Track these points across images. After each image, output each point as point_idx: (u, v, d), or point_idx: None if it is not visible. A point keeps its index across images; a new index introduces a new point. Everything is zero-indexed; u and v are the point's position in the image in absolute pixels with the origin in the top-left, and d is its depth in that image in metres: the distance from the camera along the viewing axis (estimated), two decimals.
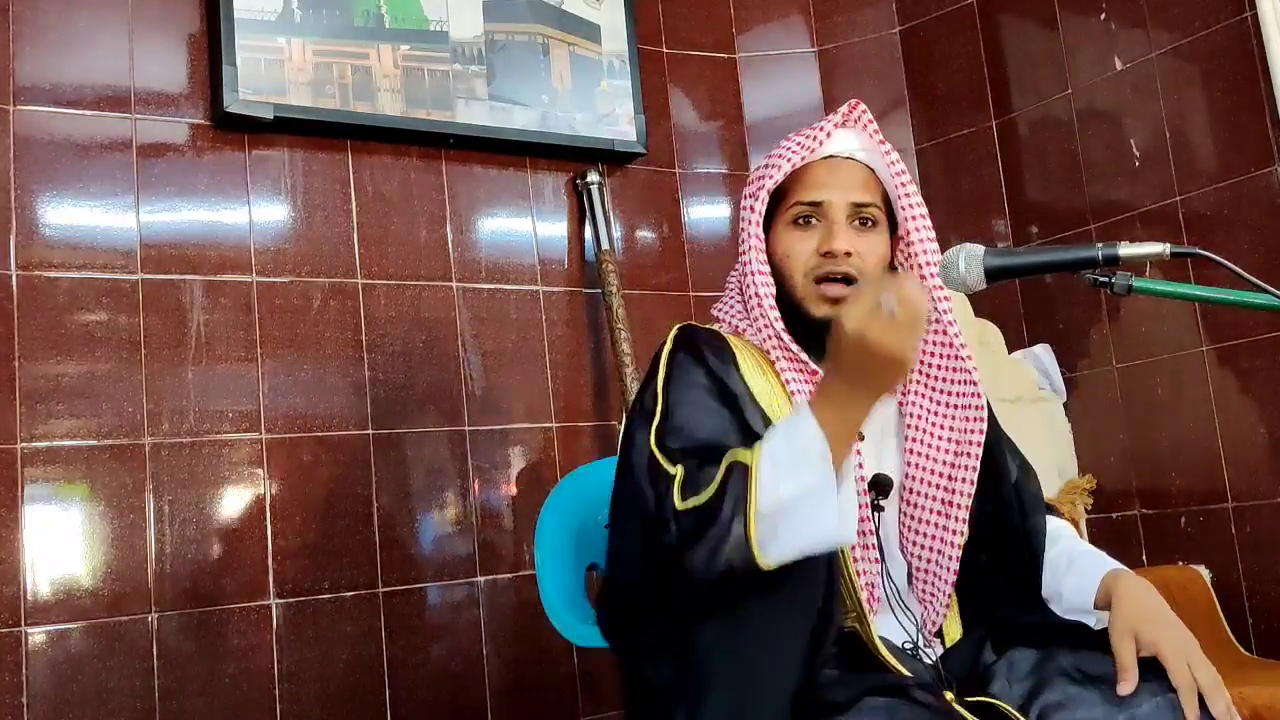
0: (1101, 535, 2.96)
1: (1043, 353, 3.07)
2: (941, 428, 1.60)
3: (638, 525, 1.46)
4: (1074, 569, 1.61)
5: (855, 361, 1.29)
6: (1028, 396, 3.00)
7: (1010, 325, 3.13)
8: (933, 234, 1.64)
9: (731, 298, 1.72)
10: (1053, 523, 1.71)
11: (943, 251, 1.57)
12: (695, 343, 1.59)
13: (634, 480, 1.48)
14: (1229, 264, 1.37)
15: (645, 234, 3.17)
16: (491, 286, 2.87)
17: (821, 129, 1.63)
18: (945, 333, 1.61)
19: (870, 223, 1.62)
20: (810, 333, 1.58)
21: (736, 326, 1.67)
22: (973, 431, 1.58)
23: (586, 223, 3.02)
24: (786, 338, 1.56)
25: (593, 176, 3.02)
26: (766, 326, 1.59)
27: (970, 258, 1.49)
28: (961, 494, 1.56)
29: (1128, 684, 1.36)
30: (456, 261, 2.83)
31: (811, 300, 1.59)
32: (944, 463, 1.58)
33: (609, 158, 3.08)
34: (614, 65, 3.11)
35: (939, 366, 1.62)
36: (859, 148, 1.65)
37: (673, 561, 1.36)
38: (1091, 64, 3.02)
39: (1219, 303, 1.44)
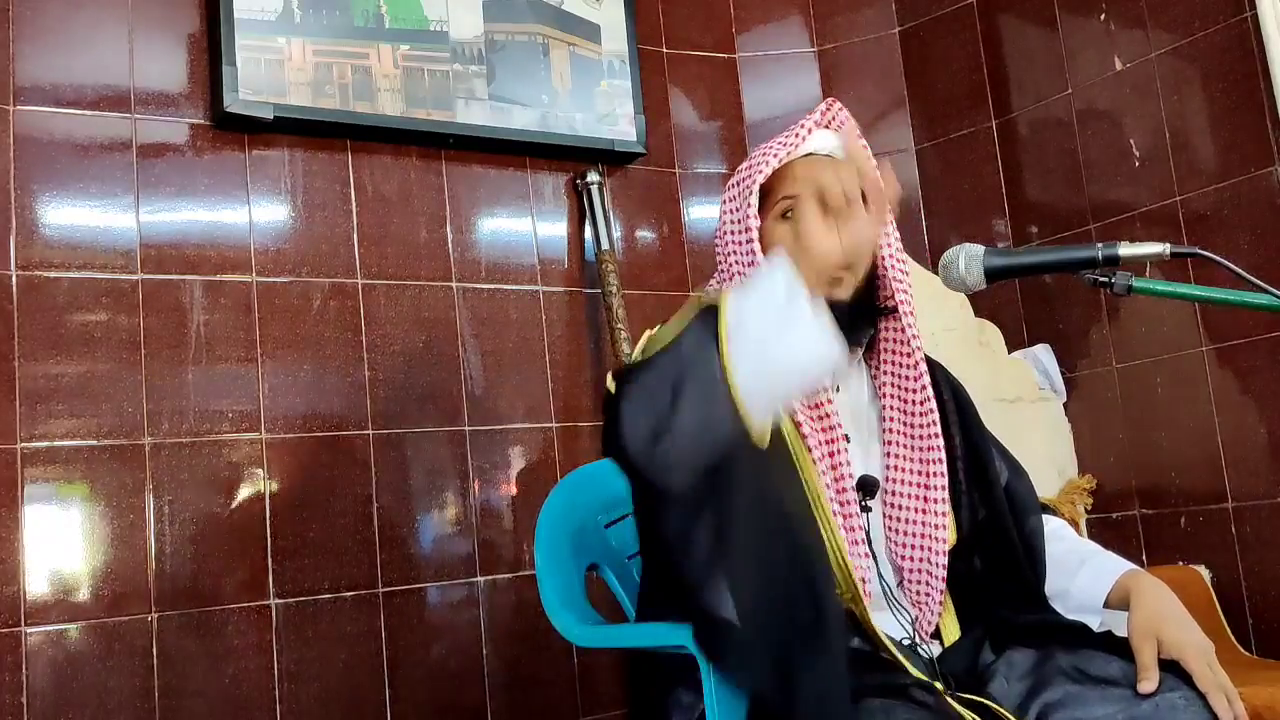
0: (1101, 535, 2.95)
1: (1043, 353, 3.07)
2: (908, 425, 1.62)
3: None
4: (1087, 567, 1.62)
5: None
6: (1028, 396, 3.00)
7: (1010, 325, 3.13)
8: (898, 234, 1.68)
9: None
10: (1053, 522, 1.72)
11: (943, 252, 1.57)
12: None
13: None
14: (1229, 264, 1.37)
15: (645, 234, 3.17)
16: (491, 286, 2.87)
17: (803, 126, 1.66)
18: (900, 322, 1.63)
19: None
20: None
21: None
22: (929, 425, 1.60)
23: (586, 223, 3.02)
24: None
25: (593, 176, 3.02)
26: None
27: (970, 258, 1.50)
28: (936, 489, 1.58)
29: (1149, 683, 1.37)
30: (456, 261, 2.83)
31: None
32: (916, 459, 1.60)
33: (609, 158, 3.08)
34: (614, 65, 3.11)
35: (897, 364, 1.65)
36: (838, 146, 1.67)
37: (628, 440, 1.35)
38: (1091, 64, 3.02)
39: (1219, 303, 1.44)
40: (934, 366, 1.72)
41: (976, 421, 1.72)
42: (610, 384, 1.47)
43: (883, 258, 1.64)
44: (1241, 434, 2.74)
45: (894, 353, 1.65)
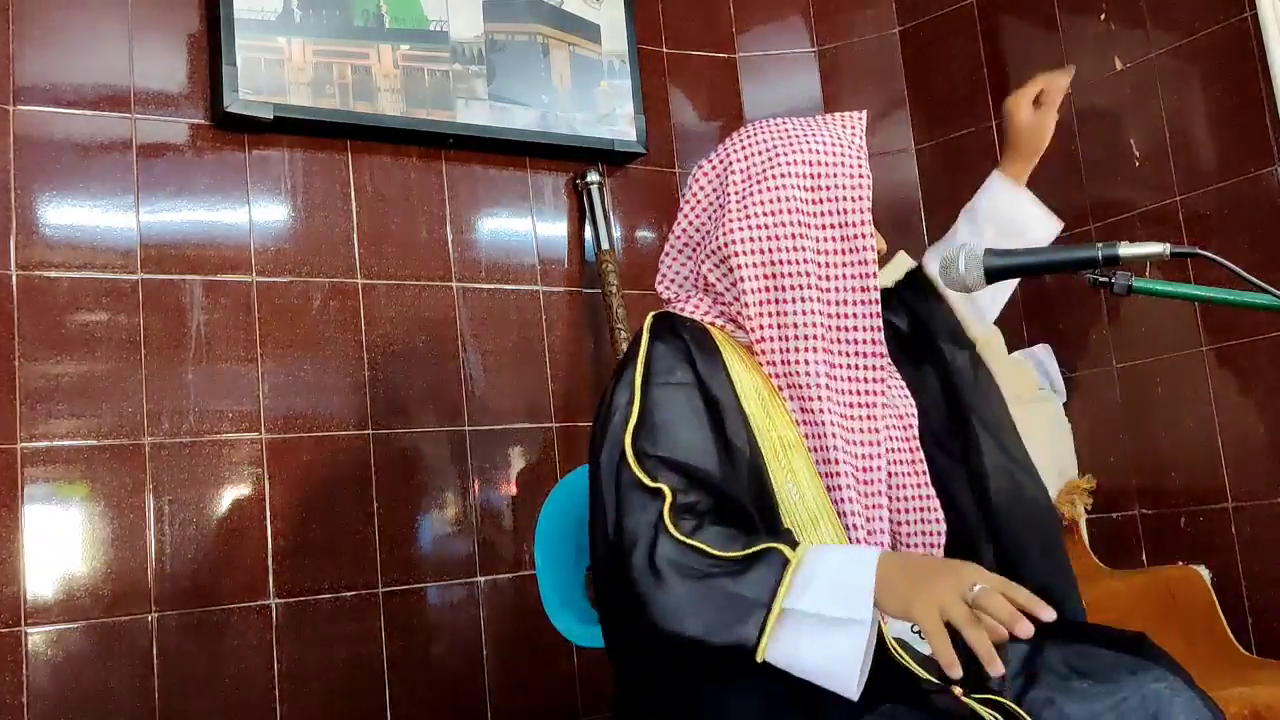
0: (1101, 535, 2.96)
1: (1043, 353, 3.07)
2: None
3: (600, 534, 1.45)
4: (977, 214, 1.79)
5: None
6: (1028, 396, 3.00)
7: (1010, 325, 3.12)
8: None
9: (687, 295, 1.69)
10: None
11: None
12: (678, 333, 1.56)
13: (599, 483, 1.47)
14: (1229, 264, 1.37)
15: (645, 234, 3.17)
16: (491, 286, 2.87)
17: (854, 133, 1.64)
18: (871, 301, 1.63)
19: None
20: None
21: (716, 324, 1.64)
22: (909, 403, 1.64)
23: (586, 223, 3.02)
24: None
25: (593, 176, 3.02)
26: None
27: (970, 258, 1.50)
28: (922, 465, 1.61)
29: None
30: (456, 261, 2.83)
31: None
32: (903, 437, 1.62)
33: (609, 158, 3.08)
34: (614, 65, 3.11)
35: (860, 343, 1.63)
36: None
37: (636, 590, 1.35)
38: (1091, 64, 3.01)
39: (1219, 303, 1.44)
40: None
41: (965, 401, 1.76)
42: (630, 457, 1.42)
43: None
44: (1241, 434, 2.74)
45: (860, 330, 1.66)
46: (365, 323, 2.68)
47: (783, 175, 1.59)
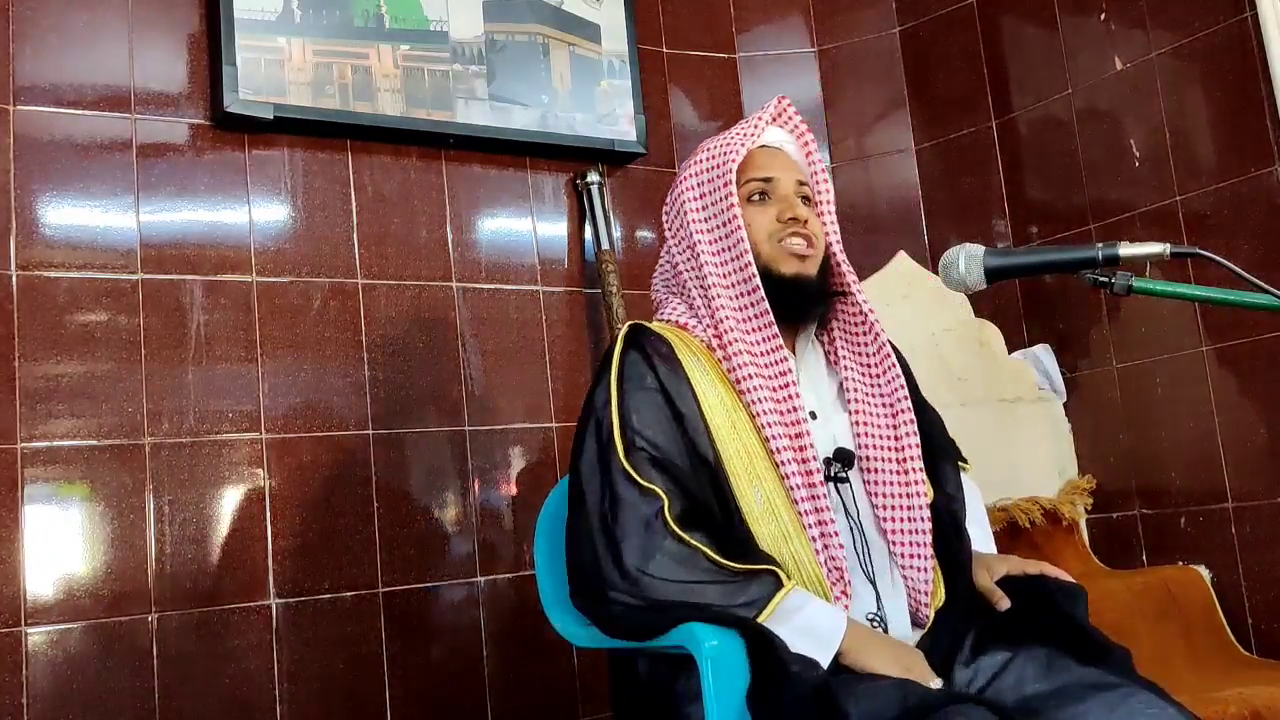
0: (1101, 535, 2.96)
1: (1043, 353, 3.07)
2: (874, 392, 1.72)
3: (584, 510, 1.58)
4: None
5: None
6: (1028, 396, 3.00)
7: (1010, 325, 3.13)
8: (838, 229, 1.80)
9: (669, 298, 1.79)
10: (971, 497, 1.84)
11: (943, 252, 1.58)
12: (644, 347, 1.68)
13: (580, 469, 1.61)
14: (1229, 264, 1.37)
15: (645, 234, 3.16)
16: (491, 286, 2.87)
17: (760, 121, 1.77)
18: (849, 292, 1.74)
19: (808, 201, 1.75)
20: (779, 293, 1.67)
21: (686, 324, 1.73)
22: (896, 390, 1.71)
23: (586, 223, 3.02)
24: (765, 303, 1.65)
25: (593, 176, 3.02)
26: (744, 295, 1.66)
27: (970, 258, 1.50)
28: (910, 451, 1.67)
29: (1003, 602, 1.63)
30: (456, 261, 2.83)
31: (780, 259, 1.69)
32: (887, 425, 1.69)
33: (609, 158, 3.08)
34: (614, 65, 3.11)
35: (853, 340, 1.76)
36: (786, 141, 1.80)
37: (624, 571, 1.50)
38: (1091, 64, 3.02)
39: (1219, 303, 1.44)
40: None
41: (919, 396, 1.83)
42: (619, 447, 1.55)
43: (834, 253, 1.76)
44: (1241, 434, 2.74)
45: (849, 331, 1.77)
46: (365, 323, 2.68)
47: (684, 179, 1.77)
